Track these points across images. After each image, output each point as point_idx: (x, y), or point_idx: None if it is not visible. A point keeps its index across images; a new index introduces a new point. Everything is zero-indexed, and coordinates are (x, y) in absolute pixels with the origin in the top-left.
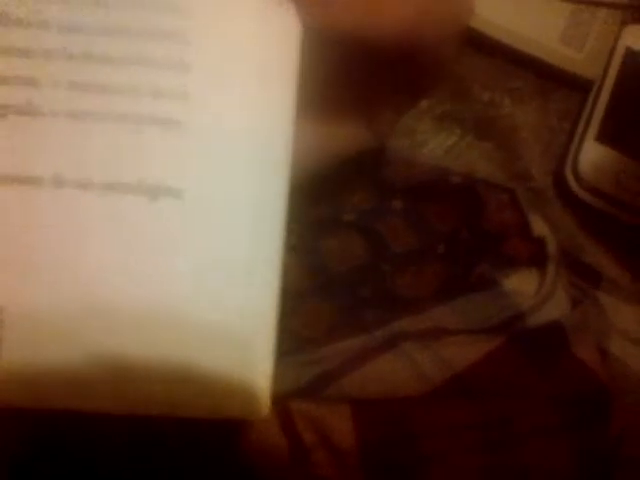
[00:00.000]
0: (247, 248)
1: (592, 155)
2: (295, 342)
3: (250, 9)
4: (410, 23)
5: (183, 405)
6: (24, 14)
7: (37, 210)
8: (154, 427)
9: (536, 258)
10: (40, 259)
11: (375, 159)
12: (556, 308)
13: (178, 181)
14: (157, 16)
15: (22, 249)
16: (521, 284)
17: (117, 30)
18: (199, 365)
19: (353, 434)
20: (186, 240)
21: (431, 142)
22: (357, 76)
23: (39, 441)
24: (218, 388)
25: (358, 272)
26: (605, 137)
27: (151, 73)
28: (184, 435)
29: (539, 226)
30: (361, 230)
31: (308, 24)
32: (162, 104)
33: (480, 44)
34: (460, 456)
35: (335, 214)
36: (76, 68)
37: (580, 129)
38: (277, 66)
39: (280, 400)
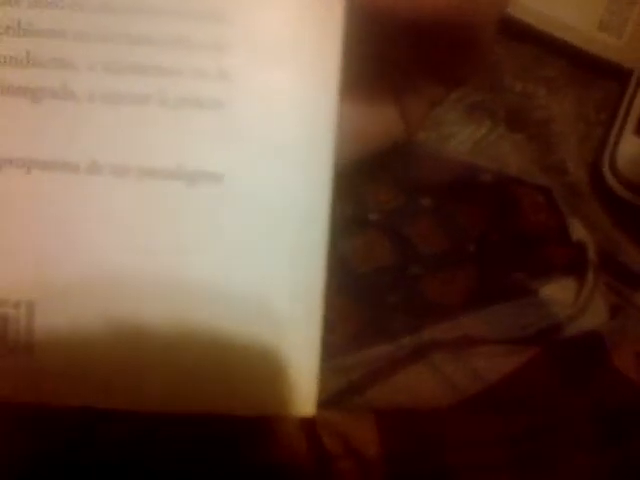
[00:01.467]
0: (291, 235)
1: (631, 149)
2: (322, 341)
3: None
4: (452, 4)
5: (223, 401)
6: None
7: (73, 196)
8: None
9: (575, 264)
10: (73, 254)
11: (400, 153)
12: (594, 317)
13: (218, 165)
14: None
15: (55, 242)
16: (558, 293)
17: (154, 10)
18: (240, 357)
19: (378, 444)
20: (225, 226)
21: (460, 134)
22: (395, 57)
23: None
24: (260, 382)
25: (384, 275)
26: None
27: (190, 53)
28: (207, 441)
29: (577, 229)
30: (387, 230)
31: (351, 3)
32: (202, 85)
33: (512, 30)
34: (489, 470)
35: (360, 213)
36: (112, 50)
37: (618, 121)
38: (320, 45)
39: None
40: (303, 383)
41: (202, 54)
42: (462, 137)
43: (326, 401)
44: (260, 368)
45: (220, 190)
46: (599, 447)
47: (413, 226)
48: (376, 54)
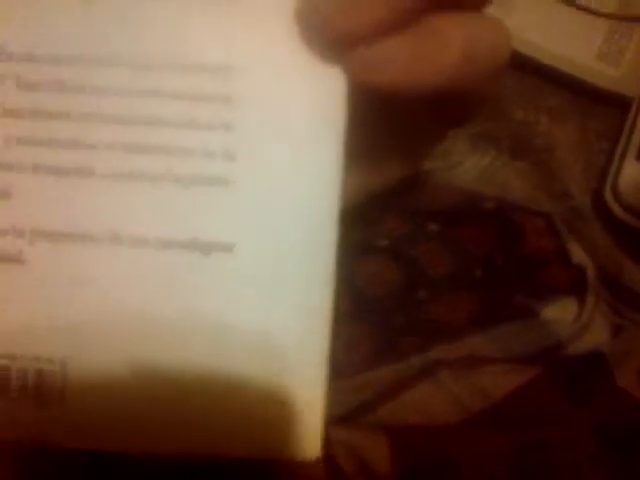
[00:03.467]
0: (299, 294)
1: (633, 175)
2: (332, 368)
3: (295, 69)
4: (453, 72)
5: (225, 444)
6: (77, 80)
7: (95, 266)
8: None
9: (575, 286)
10: (99, 312)
11: (409, 184)
12: (596, 336)
13: (229, 236)
14: (202, 78)
15: (82, 303)
16: (560, 313)
17: (164, 93)
18: (248, 401)
19: (390, 461)
20: (238, 291)
21: (466, 163)
22: (399, 121)
23: None
24: (267, 425)
25: (393, 298)
26: None
27: (198, 134)
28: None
29: (578, 252)
30: (396, 256)
31: (353, 83)
32: (211, 164)
33: (514, 62)
34: None
35: (370, 239)
36: (128, 131)
37: (620, 148)
38: (324, 123)
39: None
40: (309, 425)
41: (210, 135)
42: (468, 165)
43: (339, 419)
44: (267, 411)
45: (231, 258)
46: (603, 464)
47: (420, 251)
48: (382, 117)
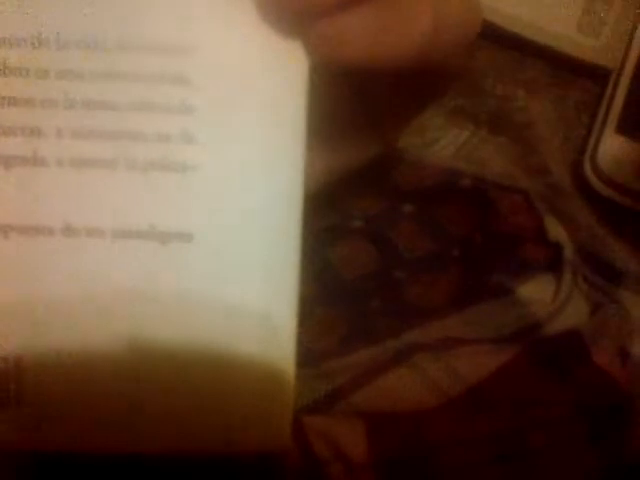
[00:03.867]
0: (262, 284)
1: (612, 147)
2: (304, 354)
3: (255, 46)
4: (421, 45)
5: (193, 439)
6: (22, 63)
7: (48, 258)
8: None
9: (552, 263)
10: (52, 306)
11: (383, 162)
12: (574, 315)
13: (188, 225)
14: (158, 59)
15: (35, 298)
16: (537, 291)
17: (118, 75)
18: (212, 393)
19: (367, 448)
20: (198, 281)
21: (443, 139)
22: (369, 94)
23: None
24: (232, 417)
25: (369, 280)
26: (625, 128)
27: (155, 117)
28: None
29: (555, 229)
30: (371, 236)
31: (316, 59)
32: (168, 148)
33: (491, 35)
34: (476, 469)
35: (343, 220)
36: (79, 116)
37: (599, 121)
38: (285, 102)
39: (293, 415)
40: (278, 414)
41: (166, 117)
42: (445, 142)
43: (313, 406)
44: (236, 401)
45: (190, 248)
46: (583, 443)
47: (396, 231)
48: (351, 91)
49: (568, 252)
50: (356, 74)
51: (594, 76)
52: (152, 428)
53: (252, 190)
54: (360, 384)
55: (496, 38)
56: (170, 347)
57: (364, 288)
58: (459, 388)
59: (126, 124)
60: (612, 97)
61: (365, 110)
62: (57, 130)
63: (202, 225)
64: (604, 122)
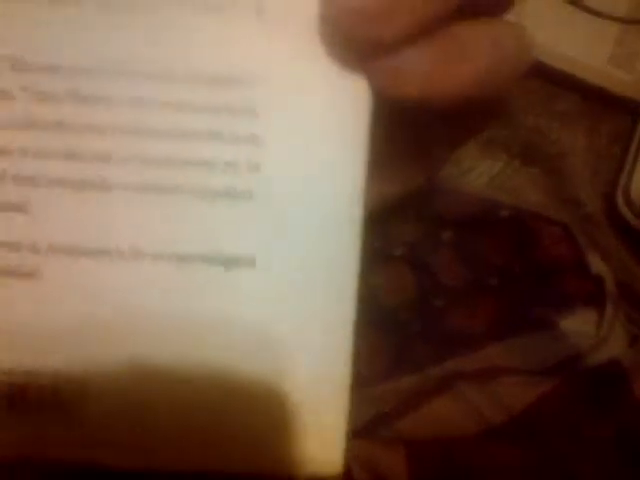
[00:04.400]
0: (322, 307)
1: None
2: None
3: (320, 79)
4: (479, 81)
5: (243, 460)
6: (96, 91)
7: (113, 280)
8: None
9: (594, 297)
10: (118, 328)
11: (423, 191)
12: (614, 347)
13: (251, 251)
14: (226, 90)
15: (100, 319)
16: (579, 324)
17: (187, 106)
18: (266, 415)
19: (407, 474)
20: (261, 306)
21: (477, 169)
22: (420, 125)
23: None
24: (284, 439)
25: (408, 307)
26: None
27: (221, 146)
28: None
29: (596, 262)
30: (411, 264)
31: (377, 92)
32: (233, 177)
33: None
34: None
35: (385, 248)
36: (148, 143)
37: (631, 154)
38: (349, 134)
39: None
40: (331, 440)
41: (233, 147)
42: (479, 171)
43: (356, 432)
44: (288, 426)
45: (254, 272)
46: (623, 473)
47: (435, 259)
48: (404, 126)
49: (609, 285)
50: (412, 113)
51: (626, 109)
52: (182, 445)
53: (314, 219)
54: (403, 411)
55: (529, 70)
56: (229, 374)
57: (405, 315)
58: (501, 417)
59: (193, 152)
60: None
61: (415, 140)
62: (127, 157)
63: (265, 252)
64: (636, 155)
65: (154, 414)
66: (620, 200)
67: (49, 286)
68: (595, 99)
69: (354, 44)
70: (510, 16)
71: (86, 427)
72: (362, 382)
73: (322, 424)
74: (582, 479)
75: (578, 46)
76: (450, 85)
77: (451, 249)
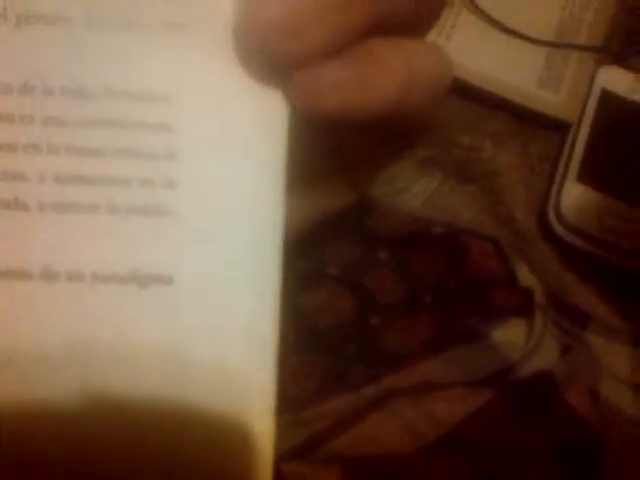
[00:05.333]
0: (242, 328)
1: (574, 196)
2: (281, 401)
3: (236, 95)
4: (396, 97)
5: (170, 473)
6: (8, 108)
7: (27, 303)
8: None
9: (523, 308)
10: (31, 351)
11: (356, 210)
12: (545, 357)
13: (168, 268)
14: (141, 106)
15: (14, 341)
16: (509, 335)
17: (101, 122)
18: (192, 431)
19: None
20: (179, 323)
21: (413, 187)
22: (340, 144)
23: None
24: (213, 457)
25: (345, 327)
26: (586, 177)
27: (137, 163)
28: None
29: (525, 275)
30: (347, 283)
31: (295, 107)
32: (150, 193)
33: (458, 89)
34: None
35: (319, 267)
36: (61, 161)
37: (560, 170)
38: (266, 148)
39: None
40: (259, 457)
41: (149, 163)
42: (415, 190)
43: (291, 454)
44: (217, 444)
45: (171, 290)
46: None
47: (371, 278)
48: (325, 141)
49: (538, 296)
50: (329, 127)
51: (555, 128)
52: (131, 464)
53: (232, 236)
54: (338, 431)
55: (463, 92)
56: (146, 396)
57: (340, 335)
58: (437, 432)
59: (109, 170)
60: (572, 148)
61: (338, 159)
62: (40, 175)
63: (182, 269)
64: (565, 172)
65: (75, 431)
66: (552, 215)
67: None
68: (526, 119)
69: (269, 58)
70: (440, 40)
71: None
72: (296, 404)
73: (251, 441)
74: None
75: (508, 70)
76: (366, 100)
77: (387, 268)
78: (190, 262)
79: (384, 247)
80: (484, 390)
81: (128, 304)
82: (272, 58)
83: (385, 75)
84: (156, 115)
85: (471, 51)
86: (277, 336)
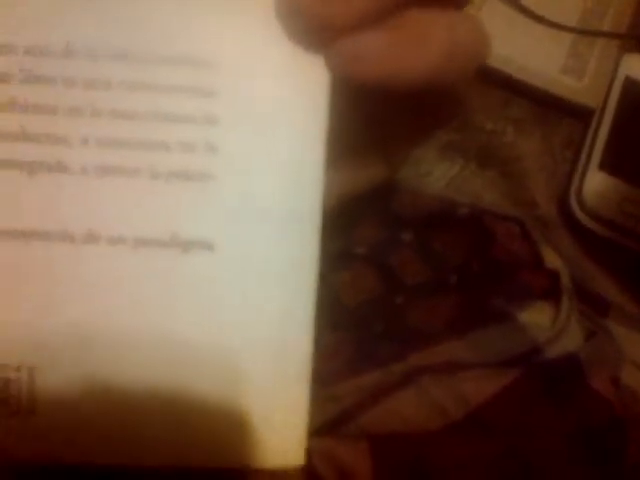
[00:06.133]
0: (280, 297)
1: (596, 183)
2: (314, 376)
3: (278, 61)
4: (436, 67)
5: (208, 454)
6: (50, 71)
7: (70, 265)
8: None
9: (550, 291)
10: (73, 314)
11: (383, 190)
12: (571, 340)
13: (209, 234)
14: (183, 71)
15: (55, 305)
16: (536, 317)
17: (144, 86)
18: (226, 408)
19: (371, 470)
20: (219, 290)
21: (435, 172)
22: (379, 117)
23: None
24: (248, 432)
25: (371, 305)
26: (608, 165)
27: (179, 128)
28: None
29: (552, 258)
30: (373, 263)
31: (336, 75)
32: (191, 158)
33: (482, 74)
34: None
35: (346, 247)
36: (104, 125)
37: (583, 158)
38: (307, 117)
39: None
40: (292, 433)
41: (191, 128)
42: (437, 174)
43: (320, 428)
44: (251, 420)
45: (211, 257)
46: (582, 465)
47: (396, 258)
48: (364, 113)
49: (565, 279)
50: (367, 98)
51: (579, 115)
52: (158, 441)
53: (271, 203)
54: (366, 406)
55: (486, 77)
56: (190, 356)
57: (366, 313)
58: (463, 410)
59: (151, 134)
60: (595, 135)
61: (373, 135)
62: (82, 138)
63: (222, 234)
64: (588, 159)
65: (101, 410)
66: (573, 202)
67: (3, 271)
68: (549, 105)
69: (311, 25)
70: None
71: (37, 423)
72: (325, 380)
73: (283, 418)
74: (542, 473)
75: (533, 55)
76: (407, 68)
77: (411, 248)
78: (230, 228)
79: (409, 229)
80: (510, 371)
81: (170, 269)
82: (314, 23)
83: (426, 44)
84: (197, 80)
85: (496, 36)
86: (313, 313)
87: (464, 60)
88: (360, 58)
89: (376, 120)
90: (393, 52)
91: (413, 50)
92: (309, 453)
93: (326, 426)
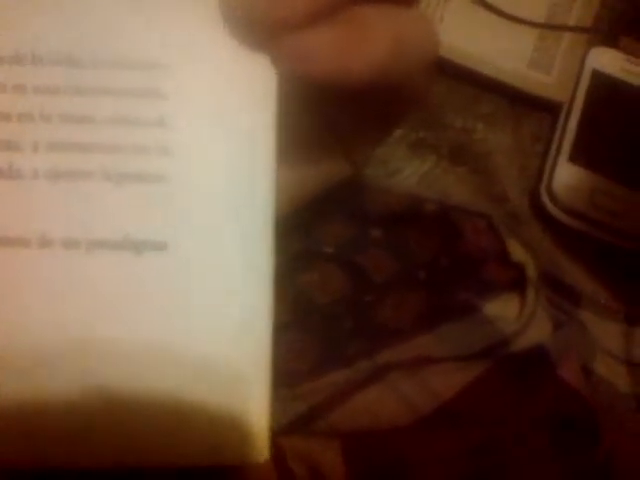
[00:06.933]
0: (236, 294)
1: (566, 175)
2: (280, 376)
3: (226, 62)
4: (382, 64)
5: (173, 453)
6: (1, 79)
7: (24, 270)
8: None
9: (516, 283)
10: (27, 319)
11: (351, 188)
12: (538, 331)
13: (161, 235)
14: (133, 74)
15: (9, 310)
16: (502, 309)
17: (94, 90)
18: (190, 407)
19: (343, 467)
20: (174, 289)
21: (406, 169)
22: (331, 115)
23: None
24: (211, 431)
25: (340, 304)
26: (577, 157)
27: (131, 130)
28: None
29: (517, 251)
30: (341, 263)
31: (282, 73)
32: (143, 160)
33: (451, 71)
34: None
35: (314, 246)
36: (55, 129)
37: (553, 151)
38: (256, 114)
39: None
40: (256, 428)
41: (142, 131)
42: (408, 172)
43: (290, 427)
44: (215, 419)
45: (165, 257)
46: (552, 456)
47: (365, 256)
48: (314, 111)
49: (530, 272)
50: (321, 98)
51: (548, 109)
52: (111, 442)
53: (224, 203)
54: (336, 403)
55: (454, 74)
56: (148, 356)
57: (336, 312)
58: (433, 405)
59: (102, 137)
60: (564, 129)
61: (330, 133)
62: (33, 143)
63: (175, 235)
64: (558, 152)
65: (66, 413)
66: (544, 195)
67: None
68: (518, 101)
69: (257, 24)
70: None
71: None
72: (294, 378)
73: (245, 414)
74: (512, 464)
75: (500, 52)
76: (351, 65)
77: (380, 246)
78: (183, 230)
79: (377, 226)
80: (478, 363)
81: (123, 271)
82: (258, 24)
83: (371, 41)
84: (148, 82)
85: (463, 33)
86: (271, 309)
87: (411, 57)
88: (303, 56)
89: (332, 119)
90: (340, 49)
91: (357, 48)
92: (282, 453)
93: (296, 424)
